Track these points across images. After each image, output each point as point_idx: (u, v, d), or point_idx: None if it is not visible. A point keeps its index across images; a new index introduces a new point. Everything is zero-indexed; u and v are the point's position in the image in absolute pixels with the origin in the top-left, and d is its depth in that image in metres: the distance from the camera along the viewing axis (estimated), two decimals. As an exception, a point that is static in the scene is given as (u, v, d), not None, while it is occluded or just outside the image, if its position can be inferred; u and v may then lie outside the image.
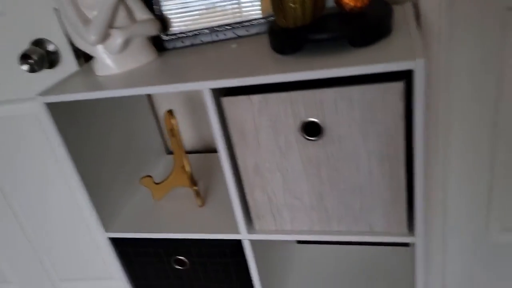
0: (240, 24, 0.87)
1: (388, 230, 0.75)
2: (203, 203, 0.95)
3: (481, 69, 0.94)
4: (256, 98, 0.69)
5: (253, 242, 0.87)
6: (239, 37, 0.88)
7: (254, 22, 0.86)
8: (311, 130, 0.70)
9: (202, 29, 0.88)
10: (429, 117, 0.96)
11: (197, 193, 0.93)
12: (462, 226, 1.17)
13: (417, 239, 0.73)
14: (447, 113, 0.97)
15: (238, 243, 0.88)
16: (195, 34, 0.89)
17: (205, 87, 0.68)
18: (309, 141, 0.70)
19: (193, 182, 0.94)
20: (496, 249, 1.17)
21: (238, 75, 0.67)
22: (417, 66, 0.58)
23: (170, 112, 0.90)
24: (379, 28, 0.68)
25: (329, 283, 1.15)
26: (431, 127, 0.97)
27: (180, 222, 0.92)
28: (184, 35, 0.89)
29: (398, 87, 0.61)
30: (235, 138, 0.74)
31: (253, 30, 0.87)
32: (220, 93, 0.72)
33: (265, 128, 0.71)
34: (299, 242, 1.31)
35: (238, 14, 0.87)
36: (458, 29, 0.90)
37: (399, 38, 0.67)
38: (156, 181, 1.01)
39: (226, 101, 0.70)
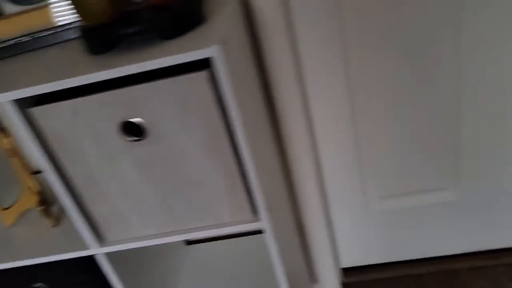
0: (63, 27, 0.81)
1: (235, 219, 0.75)
2: (57, 223, 0.89)
3: (328, 44, 0.97)
4: (66, 104, 0.64)
5: (112, 254, 0.82)
6: (66, 40, 0.82)
7: (79, 23, 0.81)
8: (135, 130, 0.67)
9: (21, 36, 0.81)
10: (287, 97, 0.97)
11: (47, 213, 0.87)
12: (343, 200, 1.22)
13: (263, 224, 0.73)
14: (306, 93, 0.99)
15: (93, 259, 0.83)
16: (15, 43, 0.81)
17: (5, 99, 0.62)
18: (134, 143, 0.67)
19: (42, 202, 0.87)
20: (380, 216, 1.23)
21: (43, 82, 0.62)
22: (214, 53, 0.57)
23: (2, 131, 0.82)
24: (189, 18, 0.66)
25: (220, 279, 1.14)
26: (292, 109, 0.98)
27: (32, 246, 0.84)
28: (1, 45, 0.81)
29: (202, 76, 0.60)
30: (57, 150, 0.68)
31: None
32: (29, 104, 0.66)
33: (85, 135, 0.67)
34: (188, 243, 1.29)
35: (61, 17, 0.81)
36: None
37: (212, 26, 0.65)
38: (5, 206, 0.93)
39: (35, 111, 0.65)
